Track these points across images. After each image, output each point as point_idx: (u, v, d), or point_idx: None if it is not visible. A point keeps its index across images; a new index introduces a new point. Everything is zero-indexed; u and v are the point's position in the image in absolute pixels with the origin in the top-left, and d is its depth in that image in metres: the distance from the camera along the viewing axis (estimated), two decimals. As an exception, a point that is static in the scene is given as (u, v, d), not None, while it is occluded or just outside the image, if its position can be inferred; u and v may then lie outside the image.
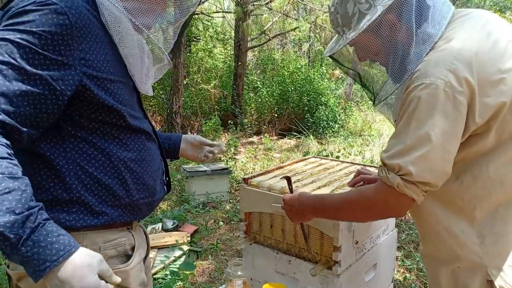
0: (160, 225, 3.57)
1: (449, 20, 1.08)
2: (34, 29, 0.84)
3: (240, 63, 9.08)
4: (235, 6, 8.13)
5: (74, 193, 0.97)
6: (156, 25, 1.07)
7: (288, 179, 1.39)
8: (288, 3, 7.42)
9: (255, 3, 9.16)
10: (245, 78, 9.55)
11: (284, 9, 7.73)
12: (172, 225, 3.54)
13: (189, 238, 3.29)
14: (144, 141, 1.08)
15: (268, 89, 9.75)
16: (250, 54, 11.07)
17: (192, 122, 9.18)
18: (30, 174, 0.86)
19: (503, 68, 0.99)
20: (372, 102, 1.28)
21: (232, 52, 10.06)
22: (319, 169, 1.81)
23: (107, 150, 1.00)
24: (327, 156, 5.72)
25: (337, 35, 1.22)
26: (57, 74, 0.87)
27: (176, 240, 3.14)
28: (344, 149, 6.51)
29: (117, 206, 1.02)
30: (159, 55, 1.09)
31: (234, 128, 8.09)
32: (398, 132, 1.03)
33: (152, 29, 1.06)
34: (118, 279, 0.86)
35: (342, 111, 9.36)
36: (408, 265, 3.07)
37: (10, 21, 0.86)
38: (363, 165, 1.92)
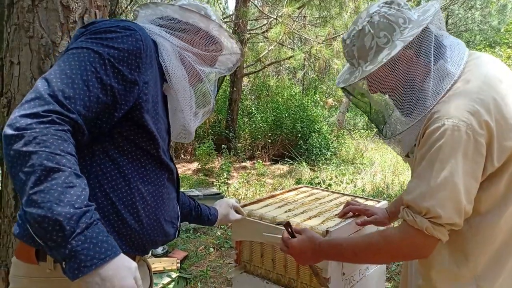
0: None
1: (465, 61, 1.09)
2: (115, 45, 0.93)
3: (235, 88, 9.22)
4: (232, 34, 8.34)
5: None
6: (204, 76, 1.17)
7: (287, 225, 1.34)
8: (284, 33, 7.62)
9: (251, 31, 9.41)
10: (240, 104, 9.66)
11: (279, 39, 7.92)
12: (162, 251, 3.50)
13: (178, 265, 3.24)
14: (165, 179, 1.11)
15: (262, 114, 9.86)
16: (245, 80, 11.25)
17: (185, 145, 9.19)
18: None
19: None
20: (380, 135, 1.25)
21: (227, 78, 10.23)
22: (310, 199, 1.84)
23: (129, 176, 1.01)
24: (319, 183, 5.75)
25: (349, 65, 1.21)
26: (122, 89, 0.94)
27: (164, 267, 3.10)
28: (336, 177, 6.55)
29: (123, 236, 1.01)
30: (208, 99, 1.20)
31: (228, 153, 8.12)
32: (421, 174, 1.02)
33: (204, 77, 1.17)
34: None
35: (334, 138, 9.46)
36: (399, 297, 3.05)
37: (94, 36, 0.94)
38: (354, 196, 1.96)
